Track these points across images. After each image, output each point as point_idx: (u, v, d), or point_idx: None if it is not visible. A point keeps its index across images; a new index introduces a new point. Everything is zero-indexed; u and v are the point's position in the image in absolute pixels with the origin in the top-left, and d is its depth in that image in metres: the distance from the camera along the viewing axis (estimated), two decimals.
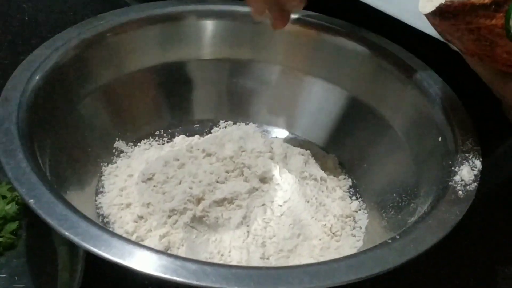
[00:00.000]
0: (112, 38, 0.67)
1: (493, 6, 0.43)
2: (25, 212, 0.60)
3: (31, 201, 0.46)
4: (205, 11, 0.72)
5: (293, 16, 0.69)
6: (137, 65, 0.70)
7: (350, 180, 0.68)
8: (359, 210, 0.64)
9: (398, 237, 0.47)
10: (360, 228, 0.62)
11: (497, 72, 0.49)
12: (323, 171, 0.67)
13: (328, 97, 0.72)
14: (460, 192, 0.51)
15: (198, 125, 0.74)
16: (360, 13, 0.66)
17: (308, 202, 0.61)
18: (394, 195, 0.61)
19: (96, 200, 0.62)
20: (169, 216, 0.58)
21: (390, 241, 0.47)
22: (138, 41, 0.69)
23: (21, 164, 0.48)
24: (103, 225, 0.59)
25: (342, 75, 0.70)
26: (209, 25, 0.72)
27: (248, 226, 0.58)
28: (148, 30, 0.70)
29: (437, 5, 0.46)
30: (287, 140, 0.71)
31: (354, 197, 0.66)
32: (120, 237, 0.44)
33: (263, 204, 0.59)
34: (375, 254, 0.45)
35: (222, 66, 0.74)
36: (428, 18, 0.49)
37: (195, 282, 0.40)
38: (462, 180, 0.52)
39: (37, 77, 0.58)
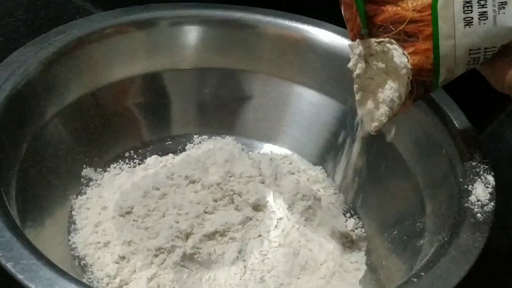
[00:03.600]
0: (75, 53, 0.60)
1: None
2: None
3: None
4: (178, 17, 0.66)
5: (278, 20, 0.65)
6: (103, 80, 0.63)
7: (341, 195, 0.64)
8: (356, 228, 0.60)
9: (422, 274, 0.43)
10: (360, 249, 0.58)
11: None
12: (316, 189, 0.62)
13: (318, 108, 0.67)
14: (479, 215, 0.47)
15: (170, 142, 0.69)
16: None
17: (304, 227, 0.56)
18: (395, 213, 0.58)
19: (69, 240, 0.56)
20: (156, 255, 0.52)
21: (415, 279, 0.43)
22: (102, 54, 0.62)
23: None
24: (80, 269, 0.53)
25: (334, 84, 0.65)
26: (182, 32, 0.66)
27: (244, 260, 0.54)
28: (114, 40, 0.63)
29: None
30: (272, 156, 0.66)
31: (348, 214, 0.62)
32: None
33: (259, 235, 0.55)
34: None
35: (196, 76, 0.68)
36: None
37: None
38: (478, 201, 0.49)
39: None
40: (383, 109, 0.47)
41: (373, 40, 0.45)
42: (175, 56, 0.66)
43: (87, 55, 0.61)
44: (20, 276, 0.39)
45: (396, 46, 0.45)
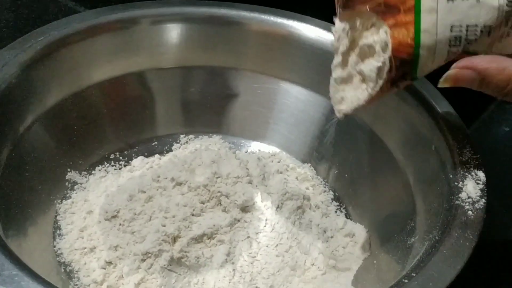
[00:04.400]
0: (55, 55, 0.58)
1: None
2: None
3: None
4: (160, 15, 0.64)
5: (263, 16, 0.64)
6: (85, 81, 0.62)
7: (331, 193, 0.63)
8: (346, 225, 0.59)
9: (414, 274, 0.42)
10: (354, 245, 0.57)
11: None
12: (304, 188, 0.61)
13: (306, 105, 0.66)
14: (470, 212, 0.46)
15: (156, 142, 0.67)
16: None
17: (294, 227, 0.55)
18: (386, 211, 0.57)
19: (54, 246, 0.54)
20: (143, 260, 0.51)
21: (406, 280, 0.42)
22: (83, 54, 0.61)
23: None
24: (66, 275, 0.52)
25: (321, 80, 0.63)
26: (165, 31, 0.65)
27: (233, 263, 0.53)
28: (95, 40, 0.61)
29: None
30: (260, 154, 0.65)
31: (338, 212, 0.61)
32: None
33: (248, 237, 0.54)
34: None
35: (180, 75, 0.67)
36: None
37: None
38: (469, 198, 0.47)
39: None
40: (361, 89, 0.46)
41: (353, 10, 0.44)
42: (158, 55, 0.65)
43: (68, 56, 0.59)
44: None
45: (375, 18, 0.43)
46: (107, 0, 0.67)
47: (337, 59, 0.47)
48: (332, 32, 0.47)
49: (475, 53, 0.44)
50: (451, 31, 0.42)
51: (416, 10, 0.41)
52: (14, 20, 0.80)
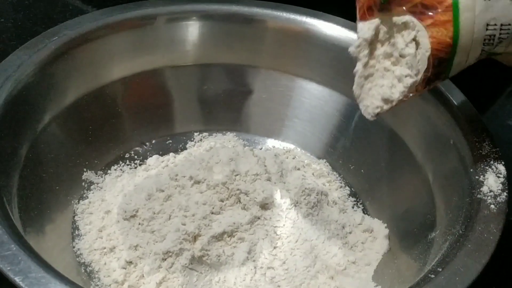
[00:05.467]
0: (70, 55, 0.58)
1: None
2: None
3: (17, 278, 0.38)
4: (175, 12, 0.64)
5: (278, 12, 0.64)
6: (101, 80, 0.62)
7: (348, 188, 0.63)
8: (364, 221, 0.59)
9: (439, 269, 0.42)
10: (373, 240, 0.57)
11: None
12: (321, 184, 0.61)
13: (321, 101, 0.66)
14: (492, 206, 0.47)
15: (170, 141, 0.67)
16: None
17: (313, 223, 0.55)
18: (404, 206, 0.57)
19: (73, 246, 0.54)
20: (163, 259, 0.51)
21: (432, 275, 0.42)
22: (98, 53, 0.61)
23: None
24: (87, 276, 0.52)
25: (337, 77, 0.64)
26: (180, 28, 0.65)
27: (254, 261, 0.52)
28: (110, 39, 0.61)
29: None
30: (276, 151, 0.65)
31: (355, 207, 0.61)
32: None
33: (268, 234, 0.53)
34: None
35: (196, 73, 0.67)
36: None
37: None
38: (490, 191, 0.48)
39: None
40: (398, 88, 0.46)
41: (392, 11, 0.44)
42: (173, 53, 0.65)
43: (83, 55, 0.59)
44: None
45: (414, 19, 0.43)
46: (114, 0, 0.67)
47: (364, 60, 0.47)
48: (357, 33, 0.47)
49: (495, 54, 0.45)
50: (486, 29, 0.42)
51: (454, 8, 0.42)
52: (22, 20, 0.80)
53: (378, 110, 0.47)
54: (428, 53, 0.43)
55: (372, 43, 0.46)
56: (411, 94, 0.46)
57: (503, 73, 0.50)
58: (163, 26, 0.63)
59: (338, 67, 0.63)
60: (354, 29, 0.59)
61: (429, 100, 0.56)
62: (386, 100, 0.47)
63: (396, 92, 0.46)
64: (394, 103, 0.46)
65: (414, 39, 0.44)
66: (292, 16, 0.65)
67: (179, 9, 0.64)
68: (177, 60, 0.66)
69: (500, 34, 0.42)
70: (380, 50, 0.46)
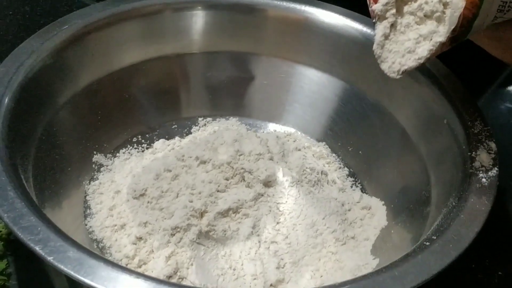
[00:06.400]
0: (83, 41, 0.61)
1: None
2: (8, 247, 0.54)
3: (37, 247, 0.41)
4: (180, 2, 0.67)
5: (279, 2, 0.66)
6: (109, 67, 0.65)
7: (346, 169, 0.66)
8: (362, 199, 0.62)
9: (434, 237, 0.45)
10: (367, 220, 0.60)
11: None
12: (322, 164, 0.64)
13: (320, 86, 0.68)
14: (484, 180, 0.49)
15: (176, 125, 0.70)
16: None
17: (314, 200, 0.58)
18: (400, 183, 0.59)
19: (86, 224, 0.57)
20: (172, 234, 0.53)
21: (427, 243, 0.44)
22: (109, 41, 0.64)
23: (16, 204, 0.43)
24: (99, 251, 0.55)
25: (335, 63, 0.66)
26: (186, 18, 0.67)
27: (258, 235, 0.55)
28: (119, 27, 0.64)
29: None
30: (277, 134, 0.67)
31: (353, 187, 0.64)
32: (123, 268, 0.40)
33: (271, 210, 0.56)
34: (417, 260, 0.43)
35: (200, 61, 0.70)
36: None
37: None
38: (482, 166, 0.50)
39: (6, 99, 0.51)
40: (426, 46, 0.46)
41: None
42: (179, 41, 0.67)
43: (94, 43, 0.62)
44: (49, 258, 0.40)
45: None
46: None
47: (391, 19, 0.47)
48: None
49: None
50: None
51: None
52: (30, 13, 0.82)
53: (405, 68, 0.47)
54: (459, 11, 0.43)
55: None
56: (435, 52, 0.46)
57: (494, 64, 0.52)
58: (170, 15, 0.66)
59: (336, 54, 0.66)
60: (352, 17, 0.63)
61: (424, 83, 0.59)
62: (413, 59, 0.46)
63: (424, 50, 0.46)
64: (422, 61, 0.46)
65: None
66: (292, 5, 0.67)
67: None
68: (183, 48, 0.68)
69: (509, 5, 0.43)
70: (406, 8, 0.46)
